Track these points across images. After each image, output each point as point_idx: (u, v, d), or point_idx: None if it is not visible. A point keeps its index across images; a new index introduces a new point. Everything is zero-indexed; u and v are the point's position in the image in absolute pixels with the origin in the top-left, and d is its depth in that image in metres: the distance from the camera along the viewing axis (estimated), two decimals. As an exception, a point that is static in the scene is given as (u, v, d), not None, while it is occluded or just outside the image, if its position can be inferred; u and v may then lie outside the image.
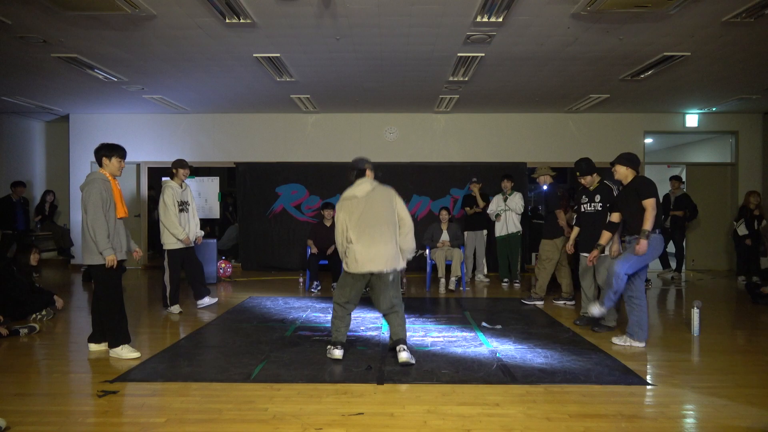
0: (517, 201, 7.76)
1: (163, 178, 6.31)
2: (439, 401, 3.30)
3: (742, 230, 8.42)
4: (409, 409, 3.19)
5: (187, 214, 5.98)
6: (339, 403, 3.27)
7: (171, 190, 5.82)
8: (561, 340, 4.72)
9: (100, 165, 4.28)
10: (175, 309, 5.86)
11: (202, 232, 6.27)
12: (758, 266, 8.34)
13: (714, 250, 9.81)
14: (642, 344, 4.47)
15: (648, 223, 4.29)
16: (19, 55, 6.10)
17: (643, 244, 4.30)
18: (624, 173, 4.56)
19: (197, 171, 10.16)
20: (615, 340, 4.58)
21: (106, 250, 4.09)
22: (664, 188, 9.21)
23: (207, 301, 6.09)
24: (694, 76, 7.04)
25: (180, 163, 6.01)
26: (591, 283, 5.36)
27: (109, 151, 4.27)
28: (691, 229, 9.84)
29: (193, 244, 6.01)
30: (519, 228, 7.83)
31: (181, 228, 5.76)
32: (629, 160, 4.55)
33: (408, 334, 4.87)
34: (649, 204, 4.31)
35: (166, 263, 5.86)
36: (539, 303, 6.39)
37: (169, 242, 5.83)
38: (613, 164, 4.62)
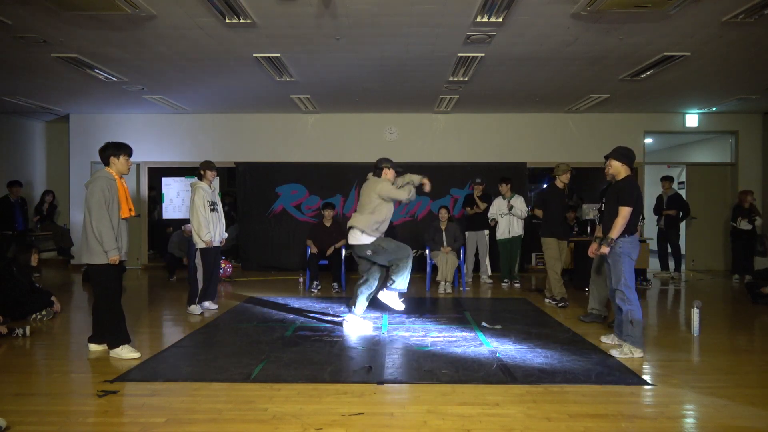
0: (519, 206, 7.77)
1: (191, 180, 6.34)
2: (439, 401, 3.30)
3: (745, 225, 8.48)
4: (409, 409, 3.19)
5: (217, 214, 6.01)
6: (339, 403, 3.27)
7: (202, 191, 5.84)
8: (561, 340, 4.72)
9: (107, 164, 4.27)
10: (197, 310, 5.86)
11: (226, 234, 6.29)
12: (752, 266, 8.49)
13: (714, 250, 9.81)
14: (641, 353, 4.26)
15: (615, 231, 4.21)
16: (19, 55, 6.10)
17: (604, 250, 4.25)
18: (617, 168, 4.41)
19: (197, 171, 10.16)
20: (613, 352, 4.30)
21: (111, 251, 4.08)
22: (659, 189, 9.23)
23: (207, 305, 6.08)
24: (694, 76, 7.04)
25: (208, 165, 6.01)
26: (601, 283, 5.31)
27: (116, 149, 4.26)
28: (691, 230, 9.86)
29: (218, 244, 6.01)
30: (521, 231, 7.86)
31: (206, 230, 5.76)
32: (624, 155, 4.40)
33: (408, 334, 4.96)
34: (623, 212, 4.21)
35: (198, 262, 5.86)
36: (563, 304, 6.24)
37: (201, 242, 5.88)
38: (607, 157, 4.48)
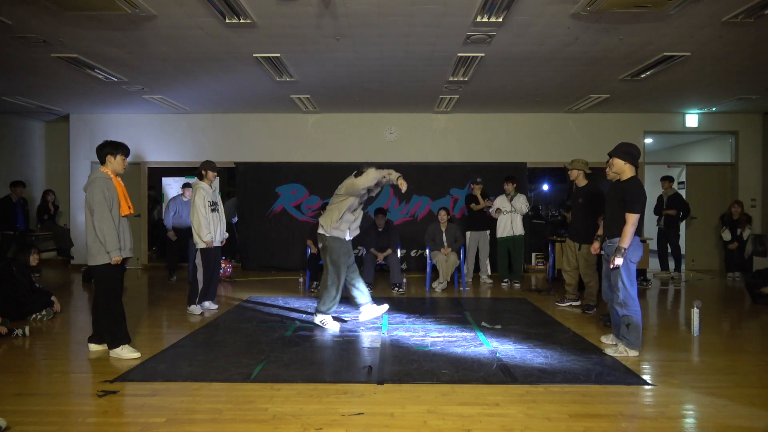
0: (522, 202, 7.79)
1: (192, 180, 6.34)
2: (439, 401, 3.30)
3: (726, 236, 8.83)
4: (409, 409, 3.19)
5: (218, 213, 6.00)
6: (339, 403, 3.28)
7: (202, 191, 5.81)
8: (561, 340, 4.72)
9: (103, 163, 4.27)
10: (197, 310, 5.86)
11: (227, 234, 6.28)
12: (744, 265, 8.84)
13: (714, 251, 9.81)
14: (636, 353, 4.26)
15: (625, 241, 4.05)
16: (19, 55, 6.10)
17: (617, 262, 4.09)
18: (621, 167, 4.22)
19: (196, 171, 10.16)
20: (608, 351, 4.30)
21: (114, 251, 4.09)
22: (660, 188, 9.24)
23: (207, 305, 6.08)
24: (694, 76, 7.04)
25: (209, 165, 5.99)
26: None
27: (113, 148, 4.27)
28: (691, 230, 9.86)
29: (219, 244, 6.00)
30: (523, 230, 7.86)
31: (207, 230, 5.75)
32: (628, 153, 4.17)
33: (408, 333, 4.96)
34: (632, 219, 4.04)
35: (198, 261, 5.86)
36: (594, 310, 5.91)
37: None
38: (611, 155, 4.26)
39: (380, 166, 5.38)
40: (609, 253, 4.26)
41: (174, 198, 8.27)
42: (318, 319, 5.22)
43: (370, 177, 5.06)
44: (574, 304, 6.21)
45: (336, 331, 5.09)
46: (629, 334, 4.21)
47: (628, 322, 4.20)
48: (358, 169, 5.20)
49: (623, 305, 4.18)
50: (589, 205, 5.77)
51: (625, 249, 4.08)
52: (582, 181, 6.00)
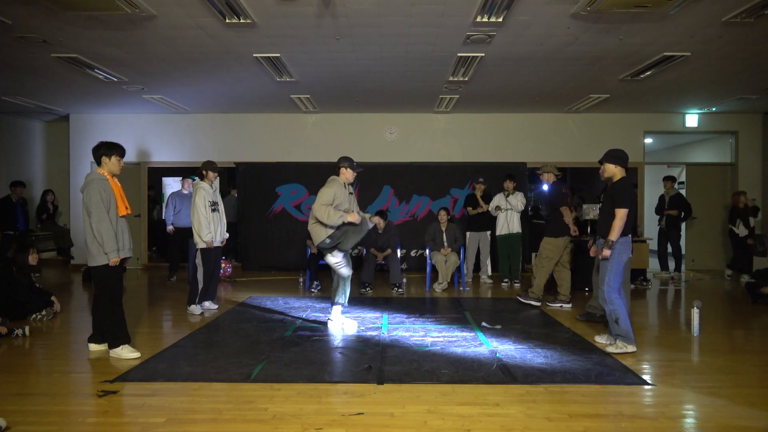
0: (519, 199, 7.79)
1: (193, 180, 6.35)
2: (439, 401, 3.30)
3: (742, 231, 8.67)
4: (409, 409, 3.19)
5: (218, 213, 6.00)
6: (339, 403, 3.28)
7: (203, 191, 5.82)
8: (561, 340, 4.72)
9: (99, 164, 4.28)
10: (197, 310, 5.86)
11: (227, 234, 6.28)
12: (750, 265, 8.69)
13: (714, 250, 9.82)
14: (633, 347, 4.34)
15: (614, 233, 4.27)
16: (19, 55, 6.10)
17: (605, 253, 4.32)
18: (612, 170, 4.48)
19: (197, 171, 10.16)
20: (609, 349, 4.37)
21: (111, 252, 4.10)
22: (660, 188, 9.25)
23: (207, 305, 6.08)
24: (694, 76, 7.04)
25: (210, 165, 5.99)
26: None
27: (108, 149, 4.27)
28: (691, 230, 9.86)
29: (219, 244, 6.01)
30: (520, 228, 7.87)
31: (207, 230, 5.75)
32: (617, 157, 4.47)
33: (408, 333, 4.96)
34: (620, 214, 4.27)
35: (199, 261, 5.86)
36: (536, 303, 6.24)
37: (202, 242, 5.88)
38: (601, 162, 4.55)
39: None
40: (604, 264, 4.40)
41: (173, 193, 8.24)
42: (333, 316, 5.22)
43: (333, 219, 4.83)
44: (565, 305, 6.22)
45: (354, 330, 5.07)
46: (620, 330, 4.33)
47: (616, 317, 4.33)
48: (337, 164, 5.19)
49: (608, 301, 4.34)
50: (552, 201, 6.27)
51: (613, 242, 4.29)
52: (552, 178, 6.44)
